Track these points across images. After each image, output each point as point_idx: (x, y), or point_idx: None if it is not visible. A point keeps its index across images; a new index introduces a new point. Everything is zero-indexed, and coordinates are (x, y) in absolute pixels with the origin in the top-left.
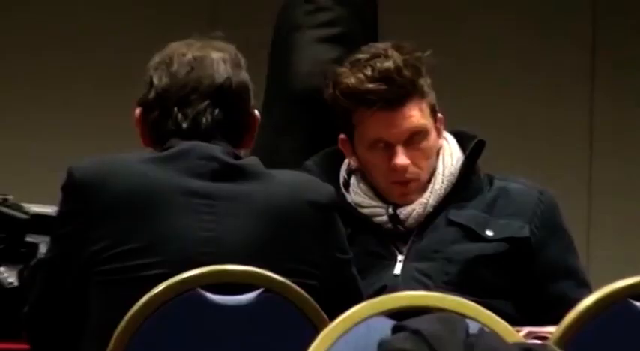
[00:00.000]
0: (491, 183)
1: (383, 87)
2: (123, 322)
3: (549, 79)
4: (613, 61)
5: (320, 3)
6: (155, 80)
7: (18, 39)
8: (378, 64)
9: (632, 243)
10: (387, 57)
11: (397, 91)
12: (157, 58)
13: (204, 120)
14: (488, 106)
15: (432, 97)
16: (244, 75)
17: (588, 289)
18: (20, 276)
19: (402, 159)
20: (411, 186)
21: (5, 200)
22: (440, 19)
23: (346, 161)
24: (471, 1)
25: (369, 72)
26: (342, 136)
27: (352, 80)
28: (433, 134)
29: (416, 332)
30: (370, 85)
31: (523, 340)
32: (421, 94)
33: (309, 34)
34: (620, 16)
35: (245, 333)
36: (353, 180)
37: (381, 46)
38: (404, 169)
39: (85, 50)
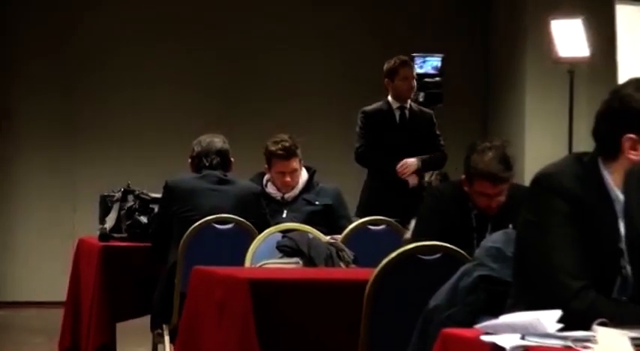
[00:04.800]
0: (318, 184)
1: (285, 153)
2: (183, 238)
3: None
4: None
5: None
6: (196, 148)
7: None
8: (283, 144)
9: None
10: (286, 141)
11: (289, 154)
12: (195, 141)
13: (214, 162)
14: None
15: (300, 155)
16: (227, 146)
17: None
18: (148, 219)
19: (288, 179)
20: (289, 187)
21: (143, 192)
22: None
23: (266, 175)
24: None
25: (279, 146)
26: (265, 166)
27: (273, 148)
28: (300, 169)
29: (290, 238)
30: (280, 152)
31: (329, 240)
32: (296, 155)
33: None
34: None
35: (228, 240)
36: (269, 183)
37: (285, 136)
38: (289, 182)
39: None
